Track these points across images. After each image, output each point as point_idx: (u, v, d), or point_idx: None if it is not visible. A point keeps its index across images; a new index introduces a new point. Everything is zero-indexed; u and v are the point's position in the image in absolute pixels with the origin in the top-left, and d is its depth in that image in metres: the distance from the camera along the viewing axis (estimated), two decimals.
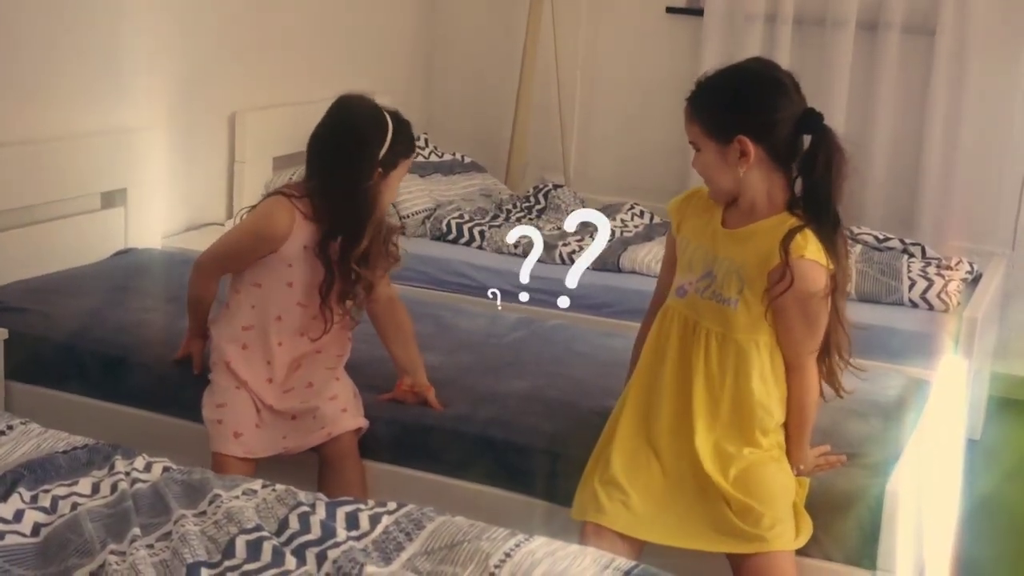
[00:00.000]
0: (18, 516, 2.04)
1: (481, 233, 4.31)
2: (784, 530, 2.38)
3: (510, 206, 4.66)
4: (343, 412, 2.74)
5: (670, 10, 5.18)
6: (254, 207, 2.84)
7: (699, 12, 5.07)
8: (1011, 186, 4.66)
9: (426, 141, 5.01)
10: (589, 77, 5.29)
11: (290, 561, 1.95)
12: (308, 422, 2.72)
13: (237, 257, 2.75)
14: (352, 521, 2.11)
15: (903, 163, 4.85)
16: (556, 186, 4.87)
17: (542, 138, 5.27)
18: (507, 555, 2.00)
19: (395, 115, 2.76)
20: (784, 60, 4.86)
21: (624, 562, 2.07)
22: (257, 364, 2.72)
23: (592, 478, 2.49)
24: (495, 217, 4.48)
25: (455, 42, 5.52)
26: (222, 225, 4.34)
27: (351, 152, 2.69)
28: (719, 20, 5.00)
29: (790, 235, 2.32)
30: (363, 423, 2.76)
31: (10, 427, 2.41)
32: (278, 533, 2.04)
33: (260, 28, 4.42)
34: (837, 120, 4.89)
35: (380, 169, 2.69)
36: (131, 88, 3.88)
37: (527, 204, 4.71)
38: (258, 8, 4.38)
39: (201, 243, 4.06)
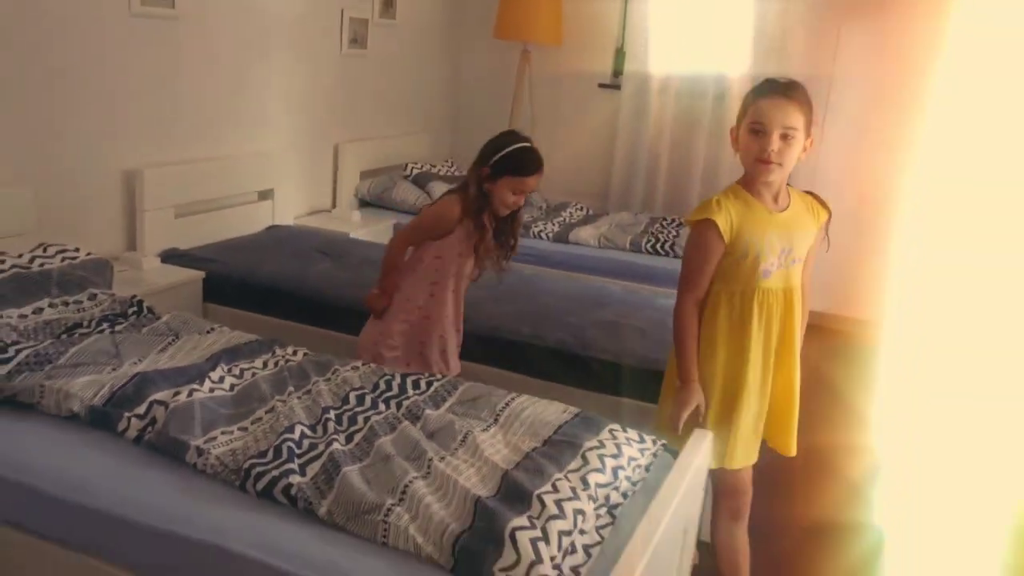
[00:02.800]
0: (221, 380, 2.08)
1: None
2: None
3: None
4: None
5: (600, 85, 5.08)
6: (433, 203, 2.60)
7: (619, 87, 4.97)
8: None
9: (452, 163, 5.02)
10: (552, 124, 5.19)
11: (380, 406, 1.99)
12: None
13: (423, 234, 2.47)
14: (416, 385, 2.14)
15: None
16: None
17: None
18: (506, 404, 2.04)
19: (522, 145, 2.41)
20: (668, 116, 4.87)
21: (574, 408, 2.07)
22: (440, 305, 2.49)
23: (733, 433, 2.06)
24: None
25: (471, 101, 5.44)
26: (329, 211, 4.33)
27: (478, 159, 2.41)
28: (632, 92, 4.91)
29: (815, 198, 2.08)
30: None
31: (212, 329, 2.43)
32: (373, 391, 2.07)
33: (353, 90, 4.41)
34: (699, 154, 4.90)
35: (488, 171, 2.37)
36: (278, 128, 3.89)
37: None
38: (350, 78, 4.37)
39: (317, 222, 4.09)
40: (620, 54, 4.98)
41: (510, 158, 2.37)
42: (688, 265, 2.04)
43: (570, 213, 4.47)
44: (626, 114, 4.92)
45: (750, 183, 2.00)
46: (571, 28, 4.92)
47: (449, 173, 4.72)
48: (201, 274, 3.10)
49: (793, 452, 2.15)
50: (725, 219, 1.96)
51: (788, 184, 2.04)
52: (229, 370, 2.13)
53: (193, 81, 3.35)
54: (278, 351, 2.30)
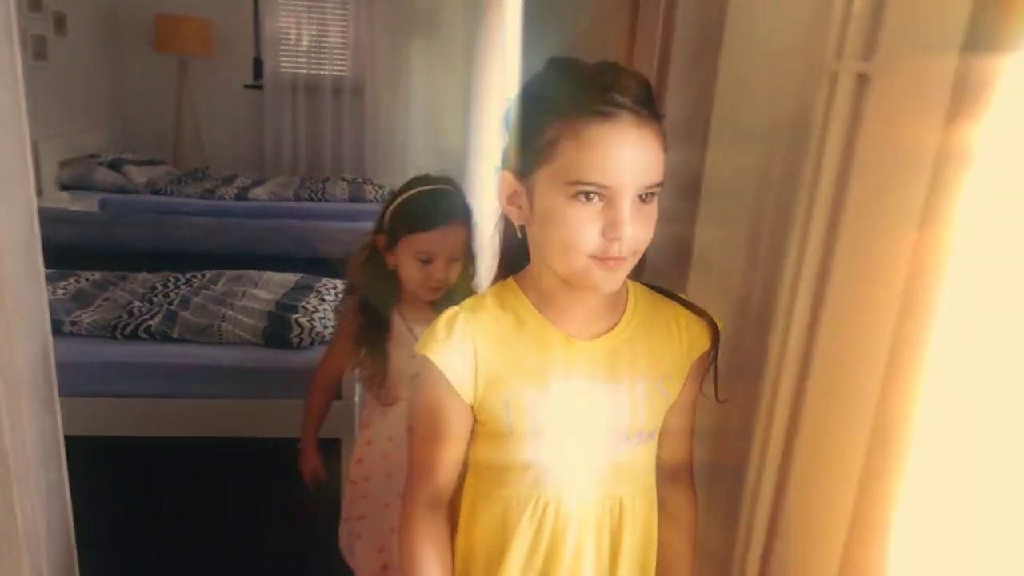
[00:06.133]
0: (54, 291, 2.39)
1: (178, 189, 4.61)
2: None
3: (183, 177, 4.86)
4: None
5: (246, 86, 5.41)
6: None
7: (261, 87, 5.38)
8: None
9: (134, 152, 5.16)
10: (214, 119, 5.39)
11: (180, 288, 2.50)
12: None
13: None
14: (196, 277, 2.63)
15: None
16: (204, 168, 5.19)
17: (191, 153, 5.40)
18: (260, 277, 2.65)
19: (414, 192, 1.32)
20: (300, 106, 5.41)
21: (300, 274, 2.80)
22: None
23: None
24: (178, 182, 4.73)
25: (140, 102, 5.42)
26: (40, 195, 4.32)
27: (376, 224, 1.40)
28: (271, 90, 5.36)
29: (681, 300, 0.87)
30: None
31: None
32: (170, 281, 2.57)
33: (42, 97, 4.35)
34: (326, 131, 5.61)
35: (383, 237, 1.33)
36: None
37: (190, 177, 4.89)
38: (39, 87, 4.31)
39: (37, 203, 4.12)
40: (258, 61, 5.42)
41: (400, 212, 1.32)
42: (414, 438, 0.88)
43: (241, 181, 4.96)
44: (269, 107, 5.44)
45: (543, 279, 0.81)
46: (220, 40, 5.23)
47: (134, 159, 4.93)
48: None
49: None
50: (460, 357, 0.79)
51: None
52: (55, 286, 2.49)
53: None
54: (81, 274, 2.67)
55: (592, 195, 0.70)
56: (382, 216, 1.35)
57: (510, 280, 0.84)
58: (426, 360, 0.79)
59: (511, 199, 0.78)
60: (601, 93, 0.69)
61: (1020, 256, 0.56)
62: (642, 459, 0.84)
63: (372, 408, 1.43)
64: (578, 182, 0.70)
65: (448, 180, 1.35)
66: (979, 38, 0.58)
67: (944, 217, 0.60)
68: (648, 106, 0.70)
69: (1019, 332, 0.55)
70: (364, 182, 4.94)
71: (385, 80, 5.19)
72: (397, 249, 1.31)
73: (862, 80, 0.66)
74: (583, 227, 0.71)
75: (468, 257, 1.35)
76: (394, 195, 1.36)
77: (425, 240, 1.28)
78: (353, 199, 4.64)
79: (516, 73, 1.82)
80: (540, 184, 0.74)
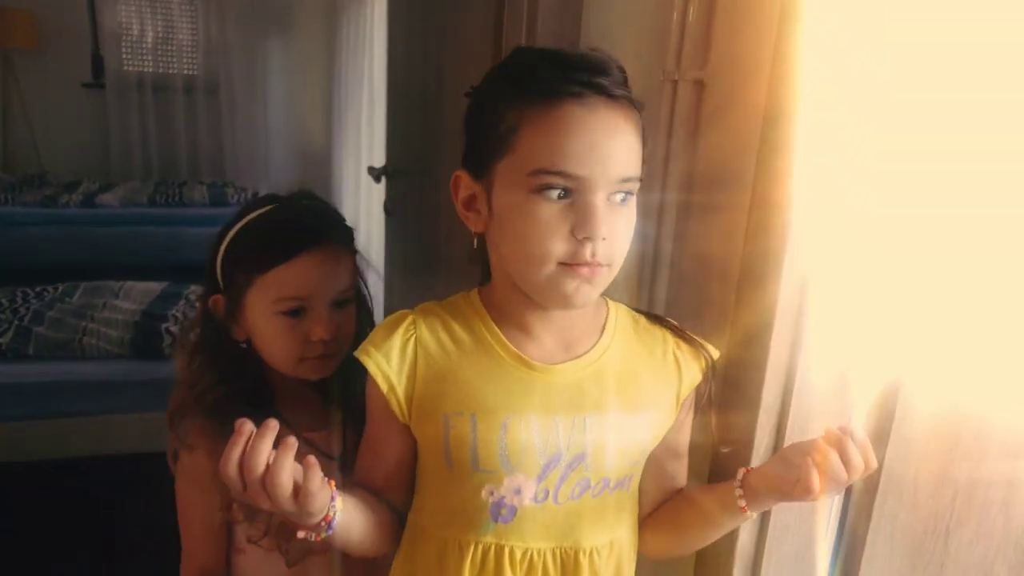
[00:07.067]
0: None
1: (13, 197, 4.19)
2: None
3: (18, 184, 4.47)
4: None
5: (84, 84, 4.99)
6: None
7: (103, 86, 5.00)
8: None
9: None
10: (48, 122, 4.97)
11: (31, 302, 2.33)
12: None
13: None
14: (46, 290, 2.48)
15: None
16: (42, 173, 4.75)
17: (25, 157, 5.01)
18: (120, 287, 2.52)
19: (257, 214, 0.85)
20: (148, 105, 5.04)
21: (165, 282, 2.69)
22: None
23: None
24: (12, 190, 4.31)
25: None
26: None
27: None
28: (114, 89, 5.00)
29: (671, 327, 0.74)
30: None
31: None
32: (17, 297, 2.41)
33: None
34: (179, 131, 5.28)
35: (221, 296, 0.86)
36: None
37: (26, 184, 4.50)
38: None
39: None
40: (98, 58, 5.04)
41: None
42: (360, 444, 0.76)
43: (87, 186, 4.61)
44: (113, 107, 5.07)
45: (506, 295, 0.69)
46: (50, 34, 4.82)
47: None
48: None
49: None
50: (397, 365, 0.68)
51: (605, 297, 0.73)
52: None
53: None
54: None
55: (559, 190, 0.59)
56: (211, 265, 0.84)
57: (473, 292, 0.71)
58: (362, 363, 0.67)
59: (468, 203, 0.66)
60: (570, 72, 0.59)
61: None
62: (608, 510, 0.71)
63: (265, 571, 0.87)
64: (542, 171, 0.59)
65: (307, 194, 0.90)
66: (786, 48, 0.70)
67: (769, 195, 0.72)
68: (625, 91, 0.61)
69: None
70: (225, 185, 4.75)
71: (241, 78, 5.03)
72: (244, 308, 0.82)
73: (698, 85, 0.78)
74: (549, 227, 0.59)
75: (360, 300, 0.88)
76: (223, 229, 0.85)
77: (285, 276, 0.80)
78: (215, 203, 4.44)
79: (383, 69, 1.85)
80: (499, 180, 0.62)
